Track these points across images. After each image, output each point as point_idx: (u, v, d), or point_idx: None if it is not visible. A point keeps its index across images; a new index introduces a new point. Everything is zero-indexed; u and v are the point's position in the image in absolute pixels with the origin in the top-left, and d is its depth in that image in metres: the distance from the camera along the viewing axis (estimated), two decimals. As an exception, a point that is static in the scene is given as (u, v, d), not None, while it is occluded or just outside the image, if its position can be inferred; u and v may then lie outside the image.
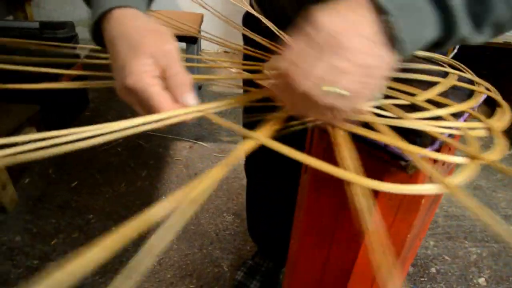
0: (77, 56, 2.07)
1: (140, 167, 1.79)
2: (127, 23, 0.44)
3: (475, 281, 1.38)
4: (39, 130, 1.66)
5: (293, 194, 0.98)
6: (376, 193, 0.53)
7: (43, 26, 2.27)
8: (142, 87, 0.41)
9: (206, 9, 0.75)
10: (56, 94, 1.86)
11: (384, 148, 0.47)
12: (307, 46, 0.36)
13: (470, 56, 0.66)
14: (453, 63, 0.68)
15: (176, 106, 0.42)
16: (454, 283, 1.37)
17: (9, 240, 1.39)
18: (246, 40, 0.81)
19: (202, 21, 2.30)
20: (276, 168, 0.93)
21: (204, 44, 2.98)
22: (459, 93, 0.59)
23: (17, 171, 1.64)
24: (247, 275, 1.24)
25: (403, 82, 0.57)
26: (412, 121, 0.47)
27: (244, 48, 0.69)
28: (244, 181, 1.18)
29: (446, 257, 1.47)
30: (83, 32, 2.94)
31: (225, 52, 3.08)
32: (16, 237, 1.41)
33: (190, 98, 0.43)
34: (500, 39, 2.22)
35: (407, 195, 0.52)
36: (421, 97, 0.53)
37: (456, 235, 1.57)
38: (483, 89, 0.60)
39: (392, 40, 0.36)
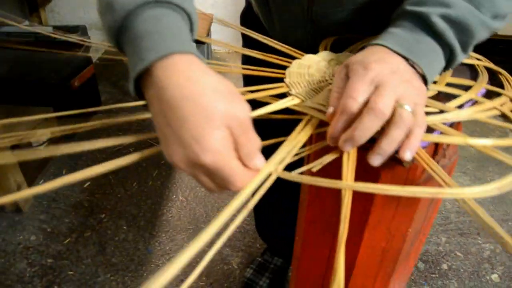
0: (89, 59, 2.10)
1: (152, 167, 1.81)
2: (194, 81, 0.37)
3: (487, 277, 1.37)
4: (53, 132, 1.69)
5: (299, 190, 0.97)
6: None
7: (55, 30, 2.31)
8: (221, 165, 0.37)
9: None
10: (69, 96, 1.90)
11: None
12: (369, 85, 0.42)
13: (483, 49, 0.69)
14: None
15: (248, 174, 0.39)
16: (466, 279, 1.36)
17: (24, 239, 1.42)
18: (245, 38, 0.82)
19: (212, 21, 2.31)
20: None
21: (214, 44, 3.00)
22: (462, 69, 0.65)
23: (32, 172, 1.68)
24: (257, 272, 1.25)
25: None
26: (460, 111, 0.52)
27: (246, 50, 0.69)
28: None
29: (458, 254, 1.45)
30: (95, 36, 2.99)
31: (237, 52, 3.08)
32: (31, 236, 1.44)
33: (260, 161, 0.41)
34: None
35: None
36: (441, 82, 0.59)
37: (469, 231, 1.55)
38: (485, 63, 0.65)
39: (420, 75, 0.47)
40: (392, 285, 0.69)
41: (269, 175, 0.42)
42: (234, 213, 0.38)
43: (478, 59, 0.68)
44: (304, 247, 0.71)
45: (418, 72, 0.47)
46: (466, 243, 1.50)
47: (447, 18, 0.47)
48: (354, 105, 0.41)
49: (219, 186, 0.39)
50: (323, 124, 0.49)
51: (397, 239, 0.60)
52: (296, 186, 0.96)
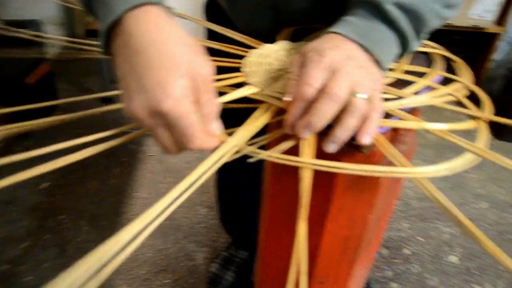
0: (44, 55, 2.03)
1: (113, 165, 1.77)
2: (162, 29, 0.38)
3: (447, 259, 1.41)
4: (6, 132, 1.62)
5: (262, 182, 0.97)
6: (334, 176, 0.53)
7: (8, 25, 2.21)
8: (181, 115, 0.37)
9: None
10: (24, 94, 1.82)
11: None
12: (324, 71, 0.42)
13: (439, 40, 0.71)
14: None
15: (206, 137, 0.41)
16: (428, 262, 1.40)
17: (-22, 245, 1.36)
18: (209, 29, 0.81)
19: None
20: (245, 156, 0.93)
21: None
22: (419, 57, 0.67)
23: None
24: (222, 266, 1.24)
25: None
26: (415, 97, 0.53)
27: (212, 43, 0.68)
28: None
29: (420, 238, 1.49)
30: (51, 31, 2.88)
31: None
32: (-15, 242, 1.37)
33: (217, 127, 0.43)
34: (468, 23, 2.25)
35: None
36: (398, 69, 0.60)
37: (429, 216, 1.60)
38: (441, 52, 0.68)
39: (375, 62, 0.47)
40: (355, 272, 0.70)
41: (231, 149, 0.43)
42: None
43: (434, 47, 0.69)
44: (268, 237, 0.71)
45: (373, 59, 0.47)
46: (426, 227, 1.54)
47: (400, 6, 0.48)
48: (310, 91, 0.42)
49: (178, 142, 0.40)
50: (281, 112, 0.49)
51: (358, 226, 0.61)
52: (259, 176, 0.95)
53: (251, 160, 0.48)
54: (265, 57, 0.58)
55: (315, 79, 0.42)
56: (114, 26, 0.39)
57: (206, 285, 1.25)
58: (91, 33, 2.04)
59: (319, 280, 0.68)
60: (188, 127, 0.38)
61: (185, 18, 0.69)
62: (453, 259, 1.42)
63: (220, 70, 0.56)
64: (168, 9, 0.41)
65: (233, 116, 0.52)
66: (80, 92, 2.32)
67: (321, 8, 0.66)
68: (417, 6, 0.48)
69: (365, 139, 0.43)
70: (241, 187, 1.06)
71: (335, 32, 0.48)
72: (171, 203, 0.37)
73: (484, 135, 0.50)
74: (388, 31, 0.49)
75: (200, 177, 0.40)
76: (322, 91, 0.41)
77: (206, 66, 0.39)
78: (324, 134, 0.46)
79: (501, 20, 2.28)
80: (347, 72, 0.42)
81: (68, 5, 2.80)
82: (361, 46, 0.47)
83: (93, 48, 0.70)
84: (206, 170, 0.40)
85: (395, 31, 0.49)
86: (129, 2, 0.38)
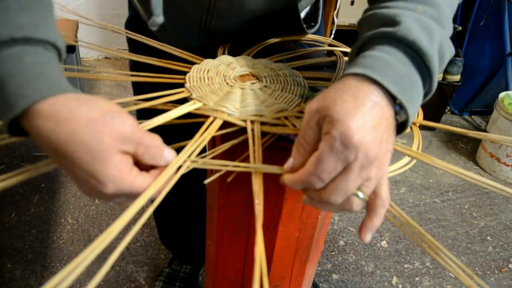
0: None
1: (31, 193, 1.64)
2: (65, 121, 0.35)
3: (378, 245, 1.51)
4: None
5: (199, 195, 0.97)
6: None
7: None
8: (125, 188, 0.37)
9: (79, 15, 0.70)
10: None
11: (285, 138, 0.49)
12: (342, 165, 0.36)
13: (343, 37, 0.76)
14: (332, 42, 0.77)
15: (157, 174, 0.40)
16: (362, 250, 1.48)
17: None
18: (132, 45, 0.79)
19: (77, 27, 2.16)
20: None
21: (82, 52, 2.81)
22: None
23: None
24: (166, 283, 1.22)
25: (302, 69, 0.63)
26: None
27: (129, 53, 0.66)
28: (149, 189, 1.14)
29: (351, 229, 1.58)
30: None
31: (106, 58, 2.93)
32: None
33: (168, 153, 0.41)
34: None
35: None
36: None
37: (357, 206, 1.68)
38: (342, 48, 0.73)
39: (400, 124, 0.41)
40: (307, 269, 0.73)
41: (179, 168, 0.43)
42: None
43: (333, 45, 0.73)
44: (219, 249, 0.71)
45: (396, 118, 0.40)
46: (356, 217, 1.63)
47: (440, 54, 0.41)
48: (320, 185, 0.38)
49: (132, 197, 0.39)
50: (225, 125, 0.50)
51: (309, 227, 0.63)
52: (194, 189, 0.95)
53: (207, 180, 0.48)
54: (205, 72, 0.58)
55: (329, 175, 0.37)
56: (21, 117, 0.36)
57: (152, 306, 1.21)
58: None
59: (274, 284, 0.69)
60: (139, 190, 0.38)
61: (120, 33, 0.67)
62: (383, 243, 1.51)
63: (162, 86, 0.55)
64: (66, 89, 0.37)
65: (176, 131, 0.51)
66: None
67: (252, 28, 0.67)
68: (443, 47, 0.41)
69: (368, 237, 0.40)
70: (177, 201, 1.05)
71: (370, 78, 0.37)
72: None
73: (417, 139, 0.54)
74: (421, 86, 0.40)
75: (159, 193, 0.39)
76: (333, 183, 0.38)
77: (123, 123, 0.37)
78: (282, 147, 0.48)
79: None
80: (363, 173, 0.37)
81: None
82: (394, 99, 0.38)
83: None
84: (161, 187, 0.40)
85: (426, 86, 0.41)
86: (27, 99, 0.35)
